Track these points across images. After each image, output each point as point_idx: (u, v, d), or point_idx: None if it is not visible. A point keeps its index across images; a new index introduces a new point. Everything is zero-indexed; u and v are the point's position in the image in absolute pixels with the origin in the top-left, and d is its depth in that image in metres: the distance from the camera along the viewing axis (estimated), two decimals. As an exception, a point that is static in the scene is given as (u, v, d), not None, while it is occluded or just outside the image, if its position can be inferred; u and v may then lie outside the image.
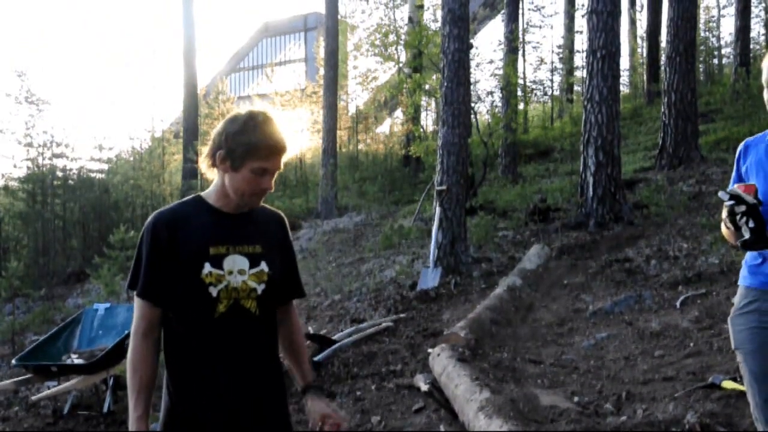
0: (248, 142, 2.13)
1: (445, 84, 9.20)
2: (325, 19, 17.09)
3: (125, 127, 40.34)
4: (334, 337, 6.43)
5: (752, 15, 19.84)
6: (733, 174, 2.67)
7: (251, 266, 2.20)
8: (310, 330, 6.88)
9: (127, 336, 3.57)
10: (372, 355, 5.99)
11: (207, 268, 2.14)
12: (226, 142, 2.15)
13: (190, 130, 16.56)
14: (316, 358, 5.84)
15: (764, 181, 2.49)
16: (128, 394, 2.15)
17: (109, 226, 12.41)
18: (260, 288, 2.20)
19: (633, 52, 24.42)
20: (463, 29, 9.36)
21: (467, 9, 9.57)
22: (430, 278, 8.26)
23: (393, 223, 12.56)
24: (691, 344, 5.28)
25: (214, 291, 2.13)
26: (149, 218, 2.20)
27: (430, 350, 5.44)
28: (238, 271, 2.17)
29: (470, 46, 10.40)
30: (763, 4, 22.20)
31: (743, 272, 2.60)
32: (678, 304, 6.26)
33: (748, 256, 2.57)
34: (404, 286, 8.48)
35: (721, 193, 2.38)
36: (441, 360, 5.03)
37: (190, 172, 15.28)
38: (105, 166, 15.55)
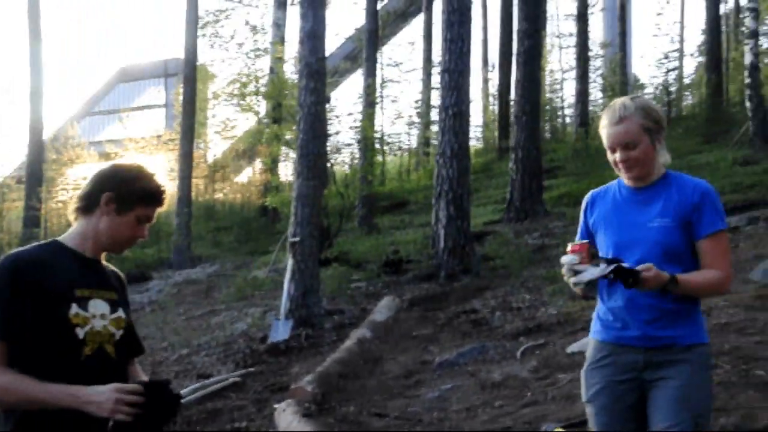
0: (143, 188, 2.19)
1: (301, 136, 9.25)
2: (183, 66, 16.84)
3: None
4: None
5: (590, 80, 21.37)
6: (580, 225, 2.79)
7: (111, 311, 2.19)
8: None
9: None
10: (216, 412, 5.81)
11: (74, 308, 2.10)
12: (117, 186, 2.17)
13: (34, 176, 15.74)
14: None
15: (612, 234, 2.63)
16: None
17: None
18: (118, 334, 2.20)
19: (485, 109, 25.57)
20: (320, 82, 9.48)
21: (324, 63, 9.73)
22: (281, 331, 8.16)
23: (247, 274, 12.36)
24: (529, 394, 5.47)
25: (80, 333, 2.09)
26: (2, 260, 2.11)
27: (276, 406, 5.34)
28: (100, 315, 2.15)
29: (327, 100, 10.57)
30: (600, 71, 23.92)
31: (595, 326, 2.70)
32: (518, 354, 6.48)
33: (600, 310, 2.68)
34: (255, 339, 8.32)
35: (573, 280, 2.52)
36: (286, 416, 4.95)
37: (32, 219, 14.45)
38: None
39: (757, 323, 6.00)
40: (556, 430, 4.36)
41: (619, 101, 2.61)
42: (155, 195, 2.23)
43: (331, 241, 12.90)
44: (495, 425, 4.88)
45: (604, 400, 2.61)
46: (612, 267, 2.40)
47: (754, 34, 15.63)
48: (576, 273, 2.51)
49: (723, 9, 21.06)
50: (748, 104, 15.55)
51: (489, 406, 5.37)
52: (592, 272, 2.47)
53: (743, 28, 17.33)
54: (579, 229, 2.80)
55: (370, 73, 16.68)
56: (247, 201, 19.75)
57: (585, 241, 2.60)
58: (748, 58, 15.52)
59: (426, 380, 6.25)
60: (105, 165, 2.30)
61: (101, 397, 2.00)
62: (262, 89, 17.67)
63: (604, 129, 2.60)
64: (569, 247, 2.56)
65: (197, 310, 10.85)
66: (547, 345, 6.60)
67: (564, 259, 2.55)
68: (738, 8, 22.06)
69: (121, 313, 2.23)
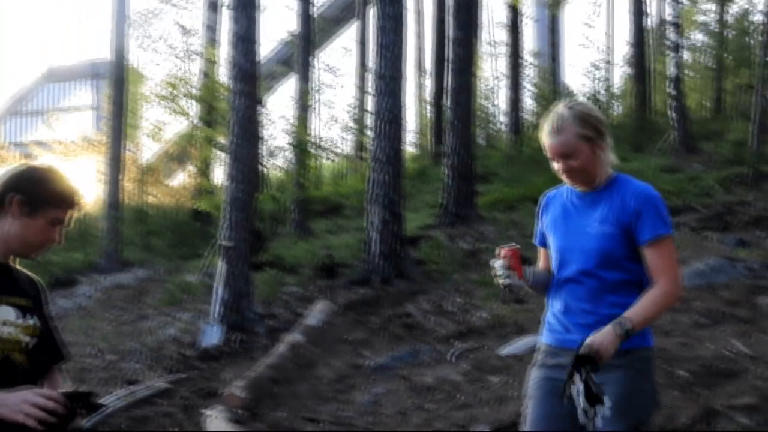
0: (54, 190, 2.09)
1: (234, 140, 9.14)
2: (112, 67, 16.45)
3: None
4: (104, 401, 6.01)
5: (523, 88, 21.77)
6: (536, 226, 2.81)
7: (20, 318, 2.09)
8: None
9: None
10: (144, 420, 5.68)
11: None
12: (26, 187, 2.07)
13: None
14: (83, 425, 5.42)
15: (558, 239, 2.65)
16: None
17: None
18: (31, 342, 2.10)
19: (420, 115, 25.77)
20: (252, 86, 9.39)
21: (256, 66, 9.64)
22: (212, 336, 8.03)
23: (179, 279, 12.14)
24: (461, 397, 5.52)
25: None
26: None
27: (205, 412, 5.25)
28: (2, 322, 2.04)
29: (260, 103, 10.48)
30: (532, 80, 24.38)
31: (543, 329, 2.73)
32: (452, 358, 6.53)
33: (547, 314, 2.71)
34: (186, 345, 8.17)
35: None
36: (216, 422, 4.88)
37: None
38: None
39: (680, 325, 6.20)
40: None
41: (557, 110, 2.59)
42: (66, 197, 2.14)
43: (264, 246, 12.77)
44: (427, 428, 4.92)
45: (537, 394, 2.63)
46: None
47: (677, 47, 16.18)
48: (504, 277, 2.59)
49: (648, 22, 21.73)
50: (671, 114, 16.08)
51: (421, 409, 5.40)
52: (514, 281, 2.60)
53: (666, 41, 17.91)
54: (536, 230, 2.83)
55: (304, 78, 16.61)
56: (179, 205, 19.40)
57: (514, 246, 2.65)
58: (671, 70, 16.05)
59: (359, 384, 6.24)
60: (15, 166, 2.21)
61: (15, 398, 1.91)
62: (194, 92, 17.40)
63: (544, 139, 2.60)
64: (498, 251, 2.62)
65: (127, 316, 10.59)
66: (480, 348, 6.68)
67: (493, 262, 2.61)
68: (662, 22, 22.80)
69: (33, 320, 2.13)
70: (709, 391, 4.84)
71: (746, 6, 22.66)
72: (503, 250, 2.62)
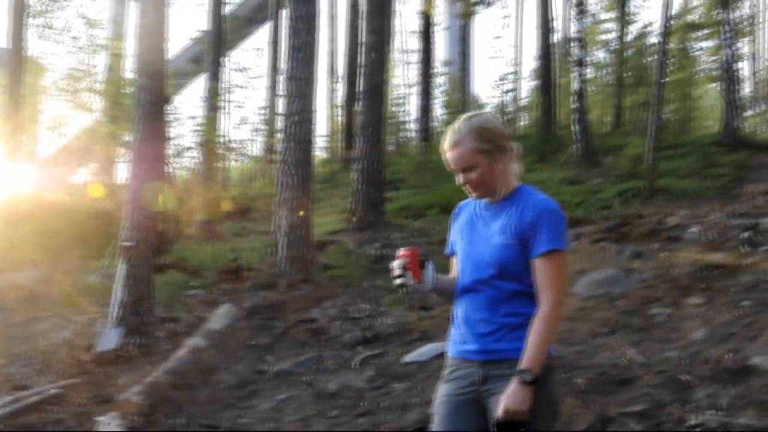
0: None
1: (138, 137, 8.85)
2: (9, 56, 15.73)
3: None
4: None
5: (433, 96, 22.06)
6: (448, 236, 2.82)
7: None
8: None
9: None
10: (31, 427, 5.40)
11: None
12: None
13: None
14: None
15: (463, 248, 2.67)
16: None
17: None
18: None
19: (331, 119, 25.74)
20: (159, 83, 9.12)
21: (164, 62, 9.37)
22: (109, 339, 7.73)
23: (76, 280, 11.67)
24: (364, 404, 5.50)
25: None
26: None
27: (98, 419, 5.04)
28: None
29: (167, 101, 10.19)
30: (442, 88, 24.75)
31: (448, 341, 2.73)
32: (356, 364, 6.51)
33: (451, 327, 2.71)
34: (80, 348, 7.84)
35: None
36: (109, 429, 4.69)
37: None
38: None
39: (578, 334, 6.38)
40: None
41: (455, 125, 2.62)
42: None
43: (167, 247, 12.44)
44: (329, 435, 4.87)
45: (441, 411, 2.63)
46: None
47: (580, 63, 16.74)
48: (398, 277, 2.63)
49: (554, 38, 22.40)
50: (574, 128, 16.61)
51: (324, 416, 5.35)
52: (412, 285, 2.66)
53: (571, 57, 18.51)
54: (448, 241, 2.84)
55: (214, 77, 16.34)
56: (80, 203, 18.68)
57: (414, 248, 2.68)
58: (575, 85, 16.58)
59: (261, 390, 6.13)
60: None
61: None
62: (98, 86, 16.83)
63: (444, 153, 2.63)
64: (399, 252, 2.65)
65: (18, 318, 10.09)
66: (384, 355, 6.68)
67: (392, 264, 2.64)
68: (567, 38, 23.56)
69: None
70: (603, 398, 4.99)
71: (644, 28, 23.66)
72: (402, 251, 2.64)
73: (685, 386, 5.08)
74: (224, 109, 20.50)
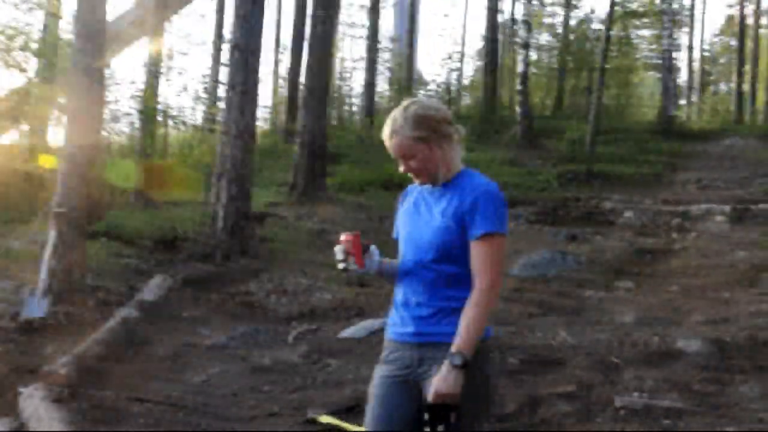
0: None
1: (75, 100, 8.59)
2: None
3: None
4: None
5: (379, 72, 21.98)
6: (396, 217, 2.79)
7: None
8: None
9: None
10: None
11: None
12: None
13: None
14: None
15: (407, 231, 2.64)
16: None
17: None
18: None
19: (275, 91, 25.40)
20: (98, 45, 8.82)
21: (103, 24, 9.06)
22: (36, 307, 7.51)
23: (2, 245, 11.29)
24: (299, 379, 5.48)
25: None
26: None
27: (21, 390, 4.89)
28: None
29: (105, 64, 9.87)
30: (388, 64, 24.67)
31: (387, 324, 2.72)
32: (292, 339, 6.47)
33: (391, 310, 2.69)
34: (4, 316, 7.59)
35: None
36: (33, 401, 4.55)
37: None
38: None
39: (512, 314, 6.46)
40: (324, 416, 4.39)
41: (393, 113, 2.60)
42: None
43: (101, 214, 12.13)
44: (261, 410, 4.83)
45: (380, 393, 2.62)
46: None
47: (526, 45, 16.87)
48: (341, 261, 2.60)
49: (501, 18, 22.52)
50: (517, 109, 16.77)
51: (257, 390, 5.30)
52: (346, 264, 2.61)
53: (517, 39, 18.65)
54: (395, 225, 2.81)
55: (156, 42, 15.89)
56: (7, 166, 18.04)
57: (356, 232, 2.64)
58: (519, 67, 16.72)
59: (194, 363, 6.04)
60: None
61: None
62: (33, 46, 16.20)
63: (384, 141, 2.62)
64: (342, 237, 2.61)
65: (-62, 284, 9.73)
66: (320, 330, 6.66)
67: (335, 248, 2.62)
68: (513, 20, 23.70)
69: None
70: (534, 379, 5.07)
71: (589, 13, 23.99)
72: (344, 236, 2.61)
73: (614, 368, 5.21)
74: (165, 75, 20.01)
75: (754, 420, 4.42)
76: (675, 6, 22.29)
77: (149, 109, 14.65)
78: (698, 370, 5.18)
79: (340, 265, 2.62)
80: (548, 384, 4.95)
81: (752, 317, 6.32)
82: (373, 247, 2.66)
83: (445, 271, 2.53)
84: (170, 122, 20.91)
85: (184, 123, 22.68)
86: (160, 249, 10.08)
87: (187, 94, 23.63)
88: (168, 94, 20.86)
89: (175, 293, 8.09)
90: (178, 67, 24.31)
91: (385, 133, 2.59)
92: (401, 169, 2.62)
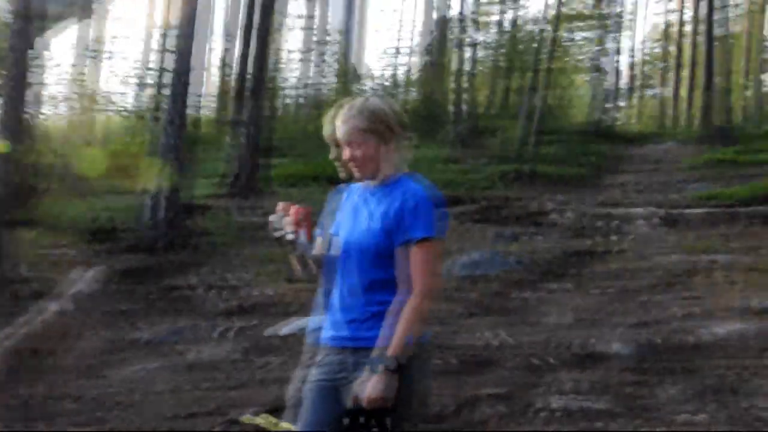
0: None
1: (10, 84, 8.35)
2: None
3: None
4: None
5: (323, 64, 21.85)
6: (323, 211, 2.73)
7: None
8: None
9: None
10: None
11: None
12: None
13: None
14: None
15: (344, 231, 2.60)
16: None
17: None
18: None
19: (218, 80, 25.03)
20: (23, 24, 8.58)
21: (29, 3, 8.79)
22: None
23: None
24: (238, 376, 5.41)
25: None
26: None
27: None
28: None
29: (31, 45, 9.56)
30: (334, 57, 24.52)
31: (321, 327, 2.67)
32: (227, 334, 6.40)
33: (325, 313, 2.64)
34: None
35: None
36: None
37: None
38: None
39: (448, 314, 6.51)
40: (262, 416, 4.34)
41: (353, 100, 2.58)
42: None
43: (27, 202, 11.73)
44: (198, 408, 4.76)
45: (312, 397, 2.60)
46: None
47: (474, 44, 17.01)
48: (290, 232, 2.51)
49: (447, 14, 22.62)
50: (461, 106, 16.90)
51: (195, 387, 5.21)
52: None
53: (464, 36, 18.77)
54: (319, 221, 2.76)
55: (89, 25, 15.52)
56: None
57: (308, 207, 2.58)
58: (464, 64, 16.86)
59: (129, 359, 5.92)
60: None
61: None
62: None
63: (328, 127, 2.57)
64: (291, 209, 2.53)
65: None
66: (260, 326, 6.60)
67: (285, 219, 2.52)
68: (461, 16, 23.84)
69: None
70: (467, 379, 5.11)
71: (537, 14, 24.29)
72: (294, 207, 2.54)
73: (548, 370, 5.29)
74: (98, 59, 19.47)
75: (683, 422, 4.54)
76: (609, 11, 22.77)
77: (80, 93, 14.28)
78: (629, 372, 5.30)
79: (289, 237, 2.50)
80: (481, 385, 4.99)
81: (683, 320, 6.50)
82: (318, 229, 2.63)
83: (380, 275, 2.52)
84: (102, 107, 20.42)
85: (118, 109, 22.19)
86: (94, 239, 9.85)
87: (122, 79, 23.09)
88: (102, 78, 20.23)
89: (110, 286, 7.91)
90: (112, 51, 23.56)
91: (340, 116, 2.53)
92: (341, 156, 2.56)
